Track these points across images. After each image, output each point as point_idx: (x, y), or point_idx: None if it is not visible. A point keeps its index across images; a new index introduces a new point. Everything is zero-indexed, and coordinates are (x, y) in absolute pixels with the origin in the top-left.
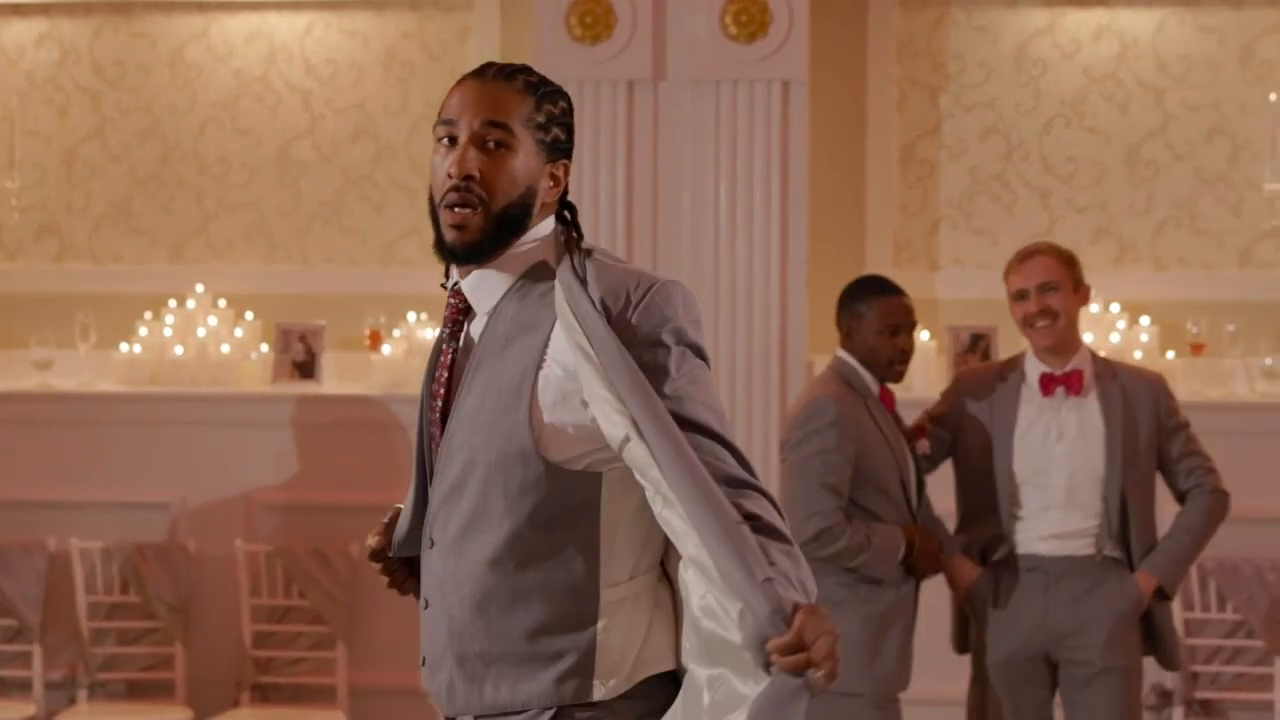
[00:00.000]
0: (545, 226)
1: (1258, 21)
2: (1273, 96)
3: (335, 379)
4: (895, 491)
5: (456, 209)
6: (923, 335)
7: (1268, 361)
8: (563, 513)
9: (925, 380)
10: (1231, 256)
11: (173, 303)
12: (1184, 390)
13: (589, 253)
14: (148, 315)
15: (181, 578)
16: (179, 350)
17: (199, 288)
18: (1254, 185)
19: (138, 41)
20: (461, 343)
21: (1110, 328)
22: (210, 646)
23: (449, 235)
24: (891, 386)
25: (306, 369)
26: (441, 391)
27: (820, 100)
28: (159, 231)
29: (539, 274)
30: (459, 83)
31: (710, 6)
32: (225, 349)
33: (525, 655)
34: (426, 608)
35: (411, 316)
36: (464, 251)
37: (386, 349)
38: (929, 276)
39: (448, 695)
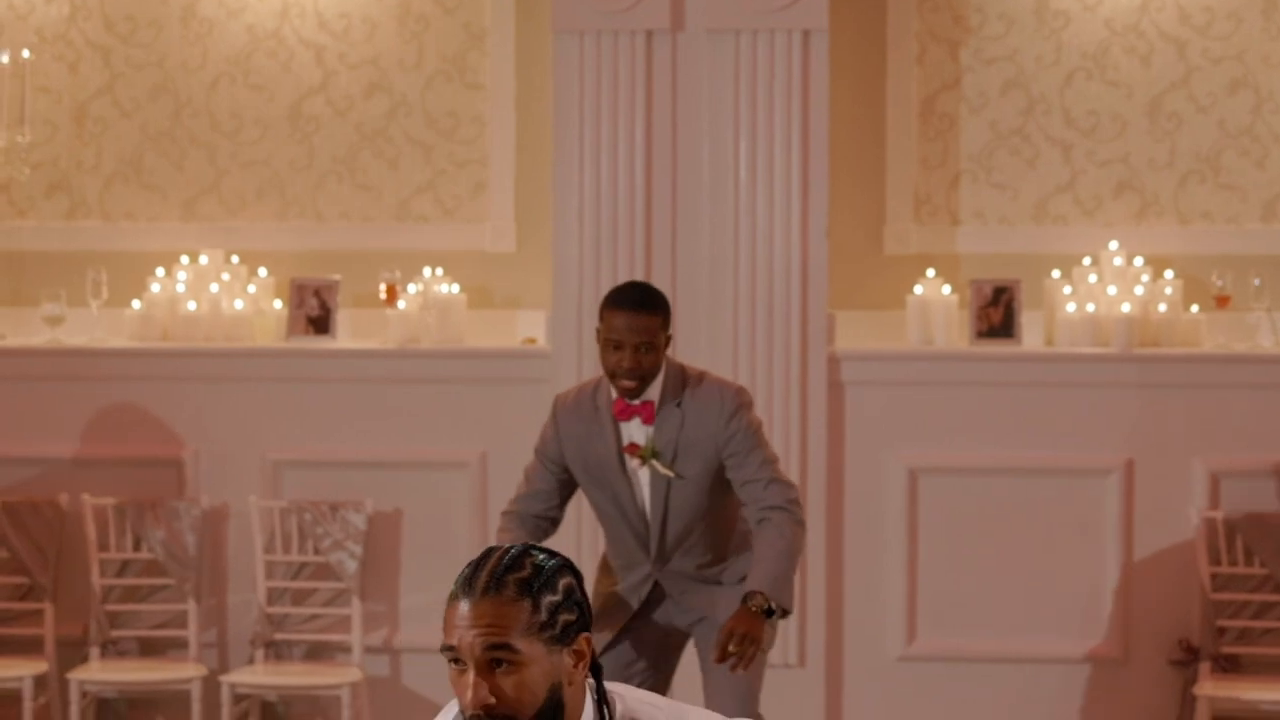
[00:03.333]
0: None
1: None
2: None
3: (350, 336)
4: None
5: None
6: (944, 289)
7: None
8: None
9: (947, 337)
10: (1255, 210)
11: (185, 259)
12: (1209, 344)
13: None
14: (160, 272)
15: (195, 534)
16: (191, 306)
17: (211, 244)
18: (1278, 138)
19: None
20: None
21: (1134, 282)
22: (224, 604)
23: None
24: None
25: (321, 324)
26: None
27: (840, 53)
28: (171, 188)
29: None
30: (452, 598)
31: None
32: (239, 305)
33: None
34: None
35: (427, 272)
36: None
37: (402, 304)
38: (950, 231)
39: None
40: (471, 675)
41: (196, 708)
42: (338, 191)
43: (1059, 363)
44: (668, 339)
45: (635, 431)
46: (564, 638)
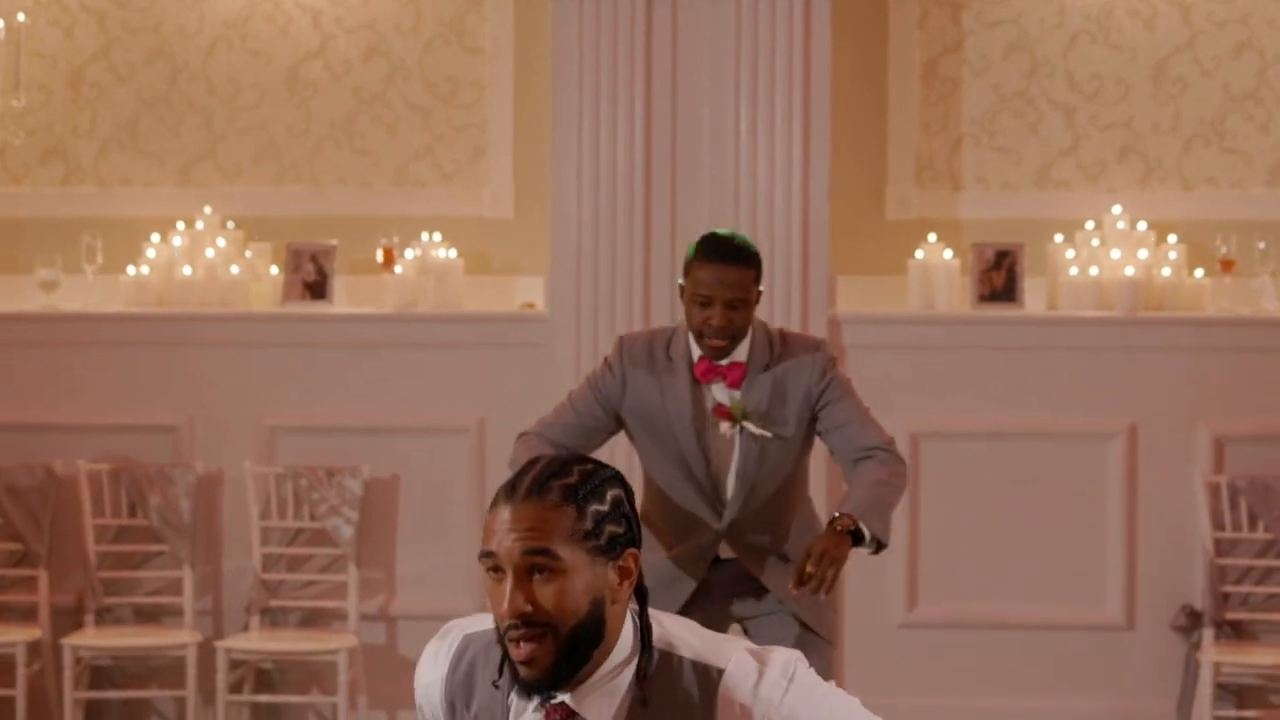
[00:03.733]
0: (629, 636)
1: None
2: None
3: (347, 301)
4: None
5: (522, 643)
6: (946, 254)
7: None
8: None
9: (949, 302)
10: (1260, 174)
11: (181, 225)
12: (1213, 309)
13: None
14: (155, 238)
15: (190, 500)
16: (187, 271)
17: (207, 209)
18: None
19: None
20: None
21: (1138, 246)
22: (219, 570)
23: (521, 671)
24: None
25: (318, 289)
26: None
27: (841, 16)
28: (167, 154)
29: (660, 671)
30: (493, 505)
31: None
32: (234, 271)
33: None
34: None
35: (425, 237)
36: (541, 683)
37: (399, 270)
38: (952, 196)
39: None
40: (510, 582)
41: (191, 674)
42: (335, 157)
43: (1061, 326)
44: (759, 295)
45: (720, 393)
46: (610, 550)
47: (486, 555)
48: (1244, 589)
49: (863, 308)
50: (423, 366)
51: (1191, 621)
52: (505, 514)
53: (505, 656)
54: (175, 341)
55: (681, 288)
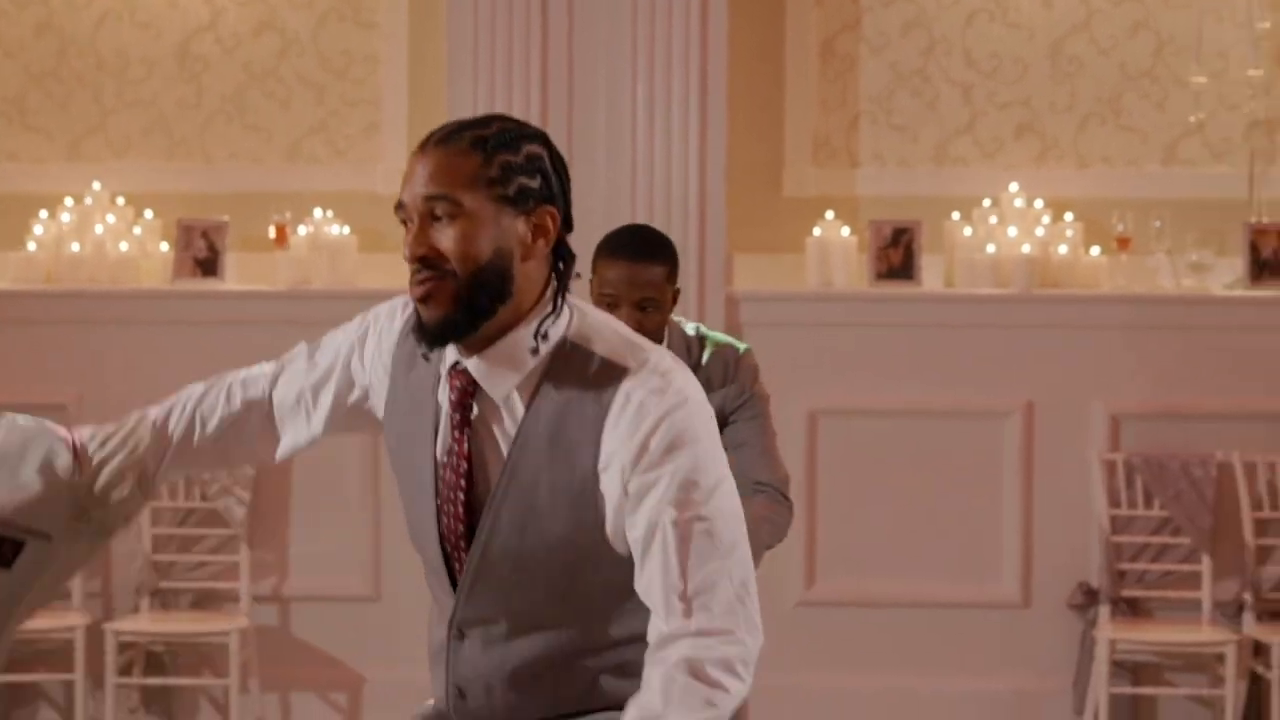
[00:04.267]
0: (548, 300)
1: None
2: None
3: (238, 276)
4: None
5: (420, 283)
6: (843, 231)
7: (1193, 257)
8: (625, 585)
9: (847, 279)
10: (1156, 152)
11: (69, 200)
12: (1109, 286)
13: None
14: (44, 215)
15: None
16: (76, 248)
17: (96, 185)
18: (1179, 80)
19: None
20: (472, 426)
21: (1034, 224)
22: (109, 551)
23: (422, 313)
24: None
25: (209, 266)
26: (463, 483)
27: None
28: (55, 128)
29: (568, 363)
30: (410, 161)
31: None
32: (124, 247)
33: (601, 698)
34: (462, 697)
35: (318, 213)
36: (441, 327)
37: (291, 247)
38: (849, 173)
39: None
40: (414, 229)
41: (80, 657)
42: (226, 132)
43: (958, 304)
44: (675, 294)
45: None
46: (519, 202)
47: (399, 207)
48: (1139, 566)
49: (760, 286)
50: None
51: (1087, 599)
52: (415, 163)
53: (416, 312)
54: (64, 319)
55: (591, 284)
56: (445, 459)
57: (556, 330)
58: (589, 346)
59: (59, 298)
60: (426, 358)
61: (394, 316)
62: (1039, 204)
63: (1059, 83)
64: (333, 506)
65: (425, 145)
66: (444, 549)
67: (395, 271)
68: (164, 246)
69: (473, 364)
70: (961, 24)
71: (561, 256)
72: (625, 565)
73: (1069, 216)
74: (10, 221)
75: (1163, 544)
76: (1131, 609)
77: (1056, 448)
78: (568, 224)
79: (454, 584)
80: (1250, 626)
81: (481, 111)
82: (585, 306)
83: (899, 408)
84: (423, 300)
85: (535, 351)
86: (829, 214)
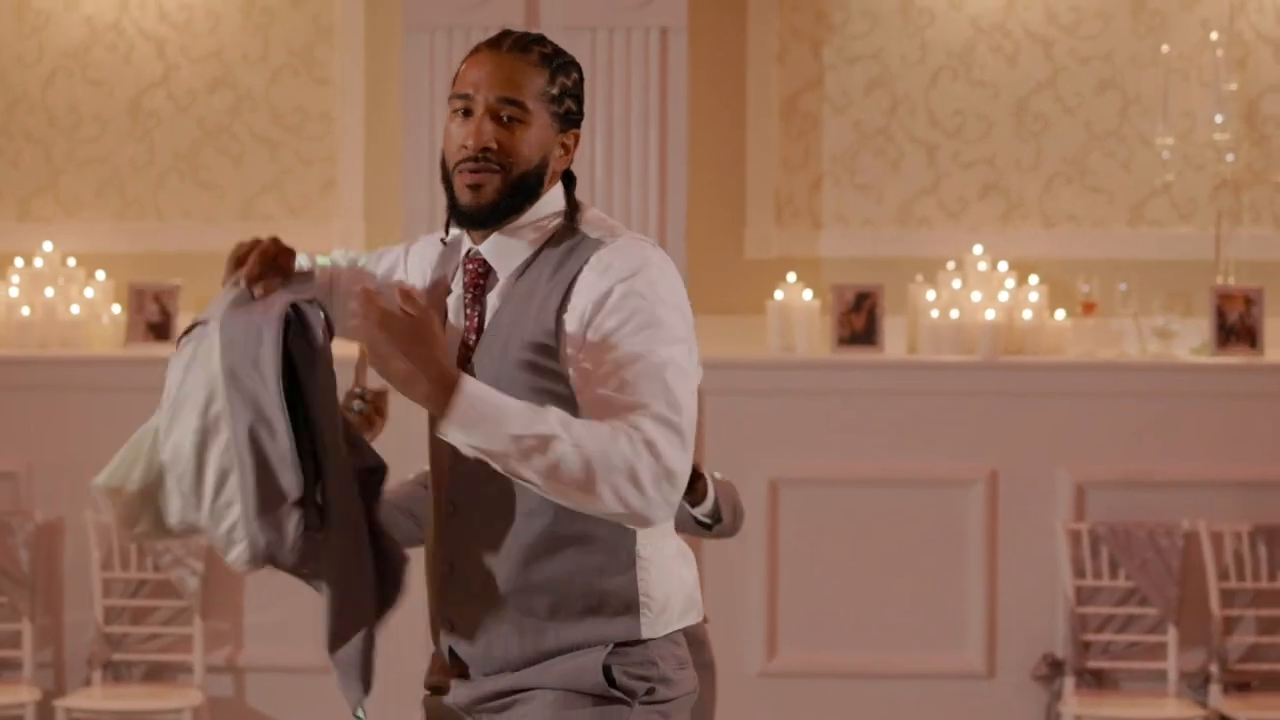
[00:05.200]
0: (557, 199)
1: None
2: (1165, 48)
3: None
4: None
5: (474, 174)
6: (805, 294)
7: (1159, 321)
8: None
9: (809, 343)
10: (1122, 213)
11: (19, 262)
12: (1074, 350)
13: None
14: None
15: (28, 551)
16: (25, 311)
17: (47, 245)
18: (1145, 140)
19: None
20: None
21: (998, 288)
22: (60, 623)
23: (464, 196)
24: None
25: (161, 330)
26: (469, 353)
27: (699, 50)
28: (5, 187)
29: (560, 239)
30: (474, 53)
31: None
32: (75, 310)
33: (573, 599)
34: (451, 571)
35: None
36: (479, 212)
37: None
38: (812, 234)
39: (484, 655)
40: (478, 119)
41: None
42: (179, 190)
43: (921, 371)
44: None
45: None
46: (565, 120)
47: (460, 97)
48: (1105, 637)
49: (722, 348)
50: None
51: (1052, 670)
52: (488, 61)
53: (451, 198)
54: (13, 385)
55: None
56: (455, 334)
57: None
58: (578, 226)
59: (9, 364)
60: (444, 242)
61: (429, 242)
62: (1003, 266)
63: (1024, 141)
64: (287, 576)
65: (498, 47)
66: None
67: None
68: (115, 309)
69: (486, 248)
70: (925, 82)
71: (567, 175)
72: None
73: (1034, 279)
74: None
75: (1128, 614)
76: (1097, 680)
77: (1021, 516)
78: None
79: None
80: (1216, 699)
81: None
82: (594, 210)
83: (861, 476)
84: (473, 187)
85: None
86: (791, 276)
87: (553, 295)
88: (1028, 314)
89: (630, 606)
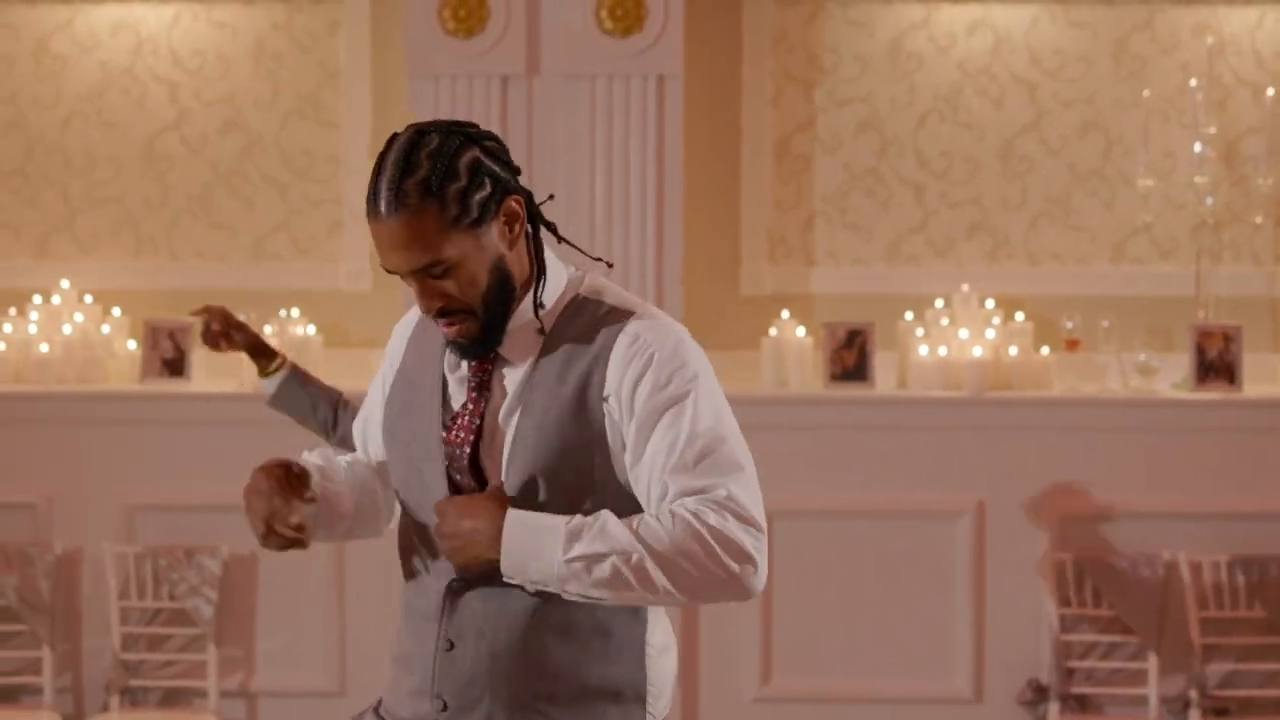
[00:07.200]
0: (556, 274)
1: (1129, 17)
2: (1146, 92)
3: (205, 376)
4: None
5: (447, 325)
6: (799, 331)
7: (1141, 357)
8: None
9: (802, 378)
10: (1105, 251)
11: (38, 298)
12: (1059, 386)
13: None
14: (12, 311)
15: (49, 580)
16: (44, 348)
17: (64, 283)
18: (1127, 180)
19: (1, 32)
20: (492, 391)
21: (985, 324)
22: (79, 649)
23: (455, 347)
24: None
25: (176, 366)
26: (472, 438)
27: (695, 95)
28: (23, 226)
29: (577, 311)
30: (371, 222)
31: (585, 0)
32: (92, 346)
33: (584, 687)
34: (451, 649)
35: (283, 312)
36: (474, 349)
37: None
38: (804, 272)
39: None
40: (415, 289)
41: None
42: (192, 230)
43: (911, 406)
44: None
45: None
46: (484, 215)
47: (390, 271)
48: (1088, 664)
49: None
50: (281, 444)
51: (1038, 695)
52: (383, 236)
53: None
54: (33, 419)
55: None
56: (454, 420)
57: (554, 290)
58: (600, 298)
59: (30, 399)
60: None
61: (407, 325)
62: (990, 303)
63: (1010, 181)
64: (298, 603)
65: (378, 214)
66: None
67: (361, 367)
68: (131, 344)
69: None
70: (914, 125)
71: (532, 221)
72: (630, 502)
73: (1020, 315)
74: None
75: (1111, 642)
76: (1081, 705)
77: (1007, 547)
78: (527, 193)
79: None
80: None
81: None
82: (595, 273)
83: (853, 508)
84: (457, 341)
85: (538, 316)
86: (784, 313)
87: (589, 376)
88: (1014, 350)
89: (639, 696)
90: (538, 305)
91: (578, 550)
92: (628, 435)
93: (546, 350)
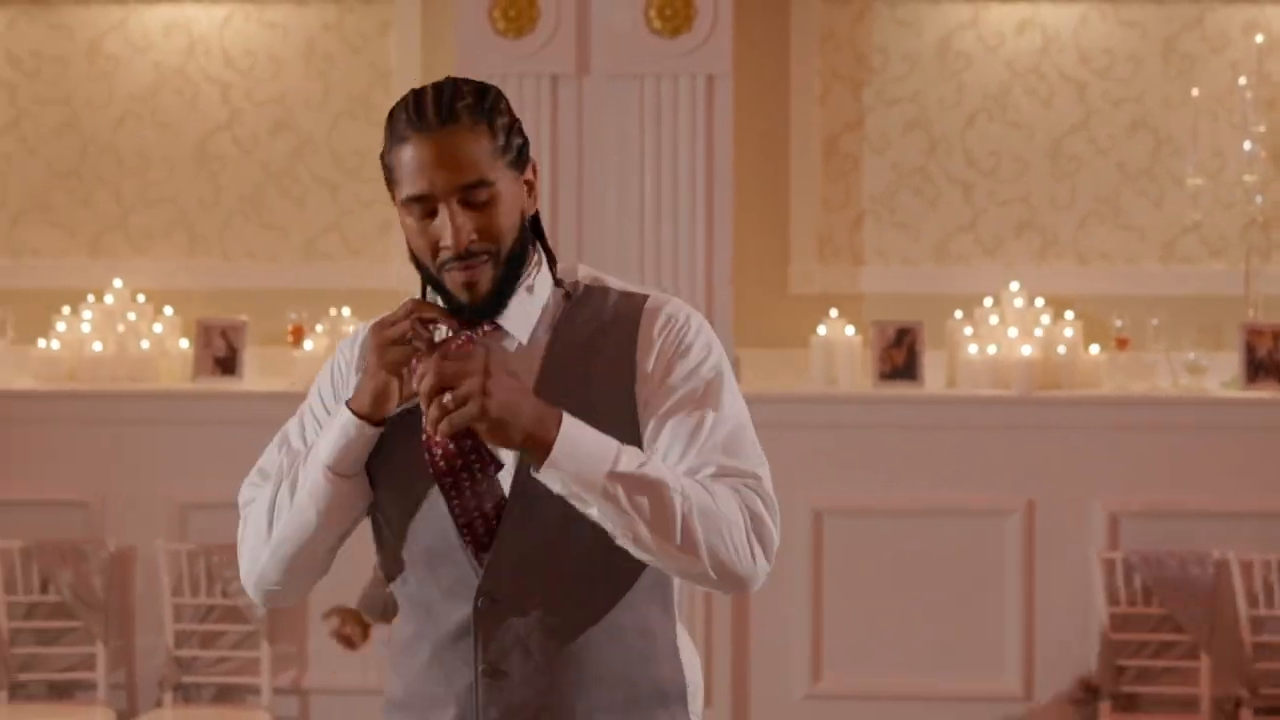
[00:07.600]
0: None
1: (1179, 16)
2: (1195, 91)
3: (257, 375)
4: None
5: (465, 269)
6: (848, 330)
7: (1191, 356)
8: None
9: (851, 377)
10: (1154, 250)
11: (91, 297)
12: (1108, 385)
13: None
14: (65, 310)
15: (103, 577)
16: (98, 346)
17: (118, 282)
18: (1176, 179)
19: (55, 33)
20: None
21: (1034, 323)
22: (132, 646)
23: (463, 295)
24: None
25: (228, 365)
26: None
27: (744, 94)
28: (77, 225)
29: (585, 298)
30: (402, 139)
31: (634, 0)
32: (144, 345)
33: (635, 693)
34: (494, 674)
35: (334, 311)
36: (484, 307)
37: (309, 344)
38: (853, 271)
39: None
40: (447, 214)
41: None
42: (244, 230)
43: (960, 405)
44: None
45: None
46: (520, 162)
47: (417, 201)
48: (1139, 663)
49: (767, 381)
50: None
51: (1088, 694)
52: (425, 148)
53: (444, 295)
54: (86, 419)
55: None
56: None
57: (547, 278)
58: (605, 284)
59: (83, 398)
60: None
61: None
62: (1039, 302)
63: (1059, 180)
64: (350, 599)
65: (425, 126)
66: (457, 525)
67: None
68: (183, 343)
69: (503, 318)
70: (962, 124)
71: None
72: None
73: (1069, 315)
74: (33, 317)
75: (1162, 641)
76: (1131, 704)
77: (1057, 546)
78: None
79: (476, 558)
80: None
81: None
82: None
83: (903, 507)
84: (468, 285)
85: (560, 284)
86: (833, 312)
87: (617, 365)
88: (1063, 349)
89: (681, 696)
90: (557, 281)
91: (626, 465)
92: (655, 415)
93: (562, 333)
